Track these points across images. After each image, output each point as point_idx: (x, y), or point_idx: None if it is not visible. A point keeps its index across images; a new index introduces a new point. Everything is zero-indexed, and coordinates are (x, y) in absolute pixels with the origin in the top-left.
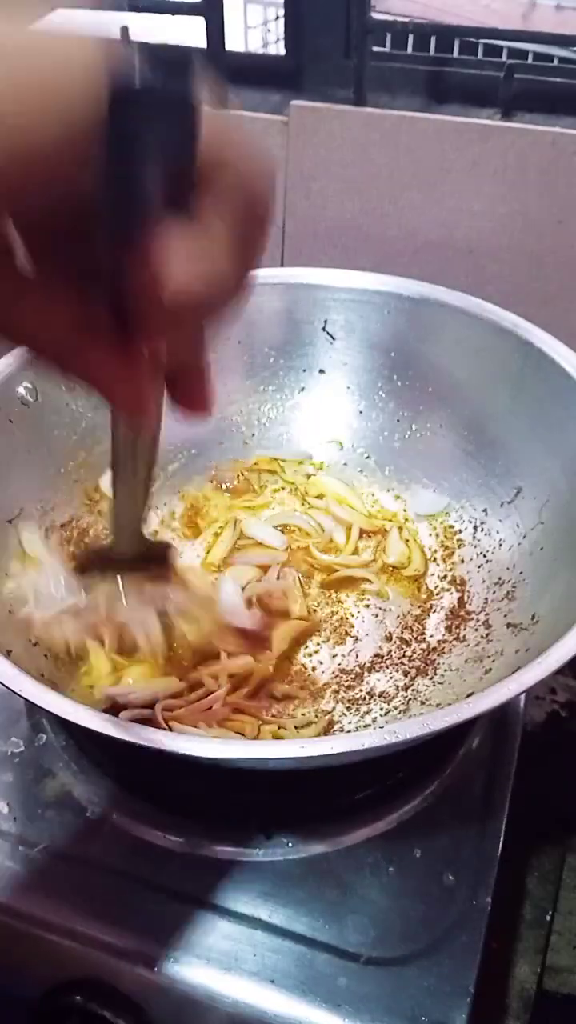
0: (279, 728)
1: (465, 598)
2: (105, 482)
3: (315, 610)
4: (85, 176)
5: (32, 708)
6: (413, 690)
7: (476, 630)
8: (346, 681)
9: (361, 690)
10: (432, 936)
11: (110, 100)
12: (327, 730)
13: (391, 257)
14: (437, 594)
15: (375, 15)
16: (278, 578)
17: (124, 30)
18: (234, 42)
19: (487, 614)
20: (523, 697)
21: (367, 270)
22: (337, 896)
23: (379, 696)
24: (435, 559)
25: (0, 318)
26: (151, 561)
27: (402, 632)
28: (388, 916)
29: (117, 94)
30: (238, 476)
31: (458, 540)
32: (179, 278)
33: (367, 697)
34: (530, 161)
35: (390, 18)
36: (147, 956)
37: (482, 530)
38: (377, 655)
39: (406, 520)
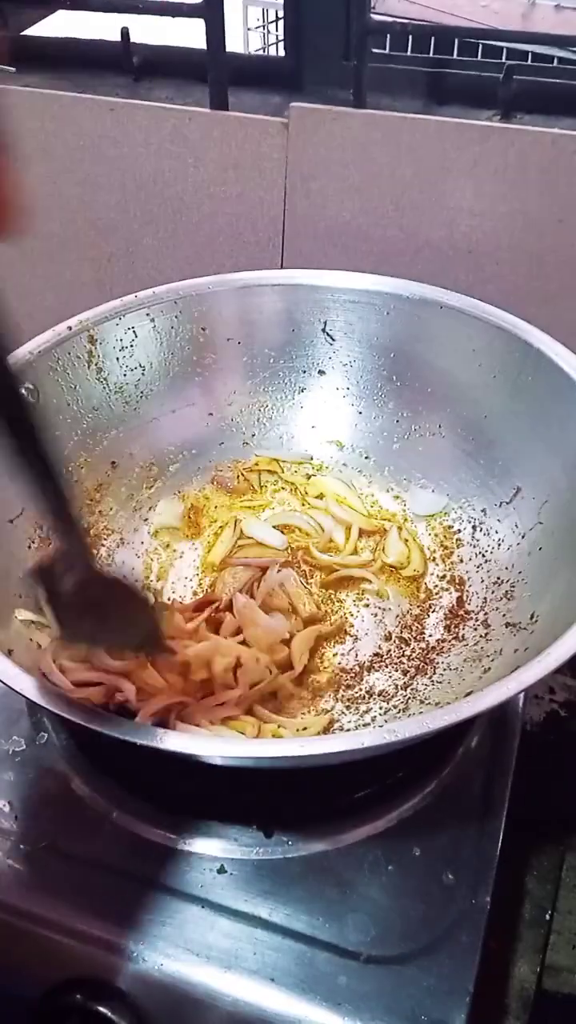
0: (279, 727)
1: (464, 598)
2: None
3: (321, 605)
4: None
5: (33, 707)
6: (412, 689)
7: (475, 629)
8: (346, 680)
9: (360, 689)
10: (432, 935)
11: None
12: (327, 729)
13: (391, 257)
14: (436, 594)
15: (375, 16)
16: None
17: (124, 32)
18: (234, 44)
19: (486, 613)
20: (522, 696)
21: (367, 270)
22: (337, 895)
23: (378, 695)
24: (434, 559)
25: None
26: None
27: (401, 631)
28: (388, 915)
29: None
30: (238, 476)
31: (457, 540)
32: None
33: (366, 696)
34: (530, 161)
35: (390, 19)
36: (147, 954)
37: (481, 530)
38: (376, 654)
39: (405, 520)
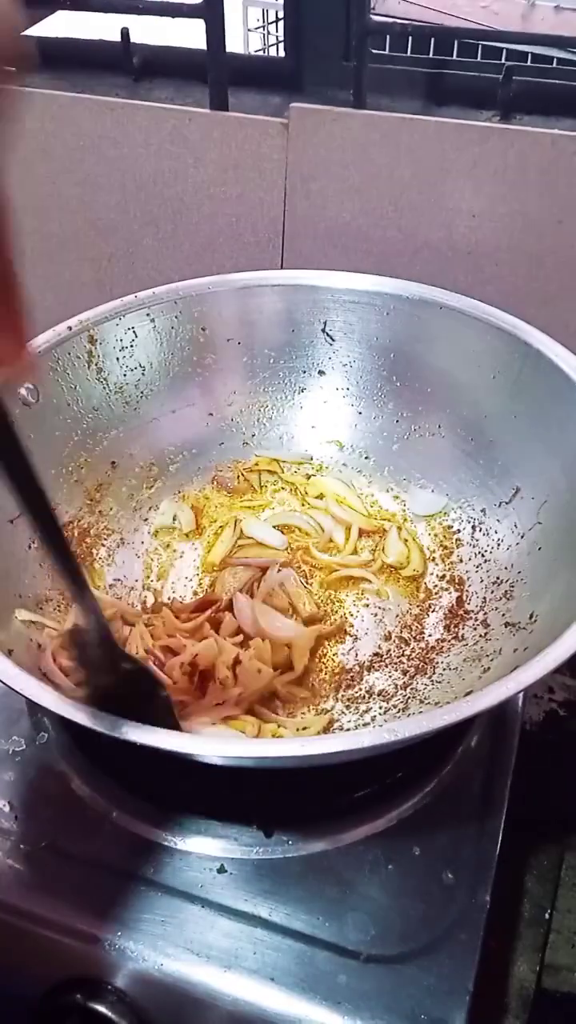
0: (279, 727)
1: (464, 597)
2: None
3: (321, 605)
4: None
5: (33, 707)
6: (412, 689)
7: (475, 629)
8: (346, 680)
9: (360, 689)
10: (431, 934)
11: None
12: (327, 728)
13: (391, 258)
14: (436, 594)
15: (375, 17)
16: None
17: (124, 32)
18: (234, 44)
19: (485, 613)
20: (521, 696)
21: (367, 271)
22: (337, 894)
23: (378, 695)
24: (434, 559)
25: None
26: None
27: (401, 631)
28: (388, 914)
29: None
30: (238, 476)
31: (456, 540)
32: None
33: (366, 696)
34: (530, 162)
35: (390, 20)
36: (147, 954)
37: (480, 530)
38: (376, 654)
39: (405, 520)
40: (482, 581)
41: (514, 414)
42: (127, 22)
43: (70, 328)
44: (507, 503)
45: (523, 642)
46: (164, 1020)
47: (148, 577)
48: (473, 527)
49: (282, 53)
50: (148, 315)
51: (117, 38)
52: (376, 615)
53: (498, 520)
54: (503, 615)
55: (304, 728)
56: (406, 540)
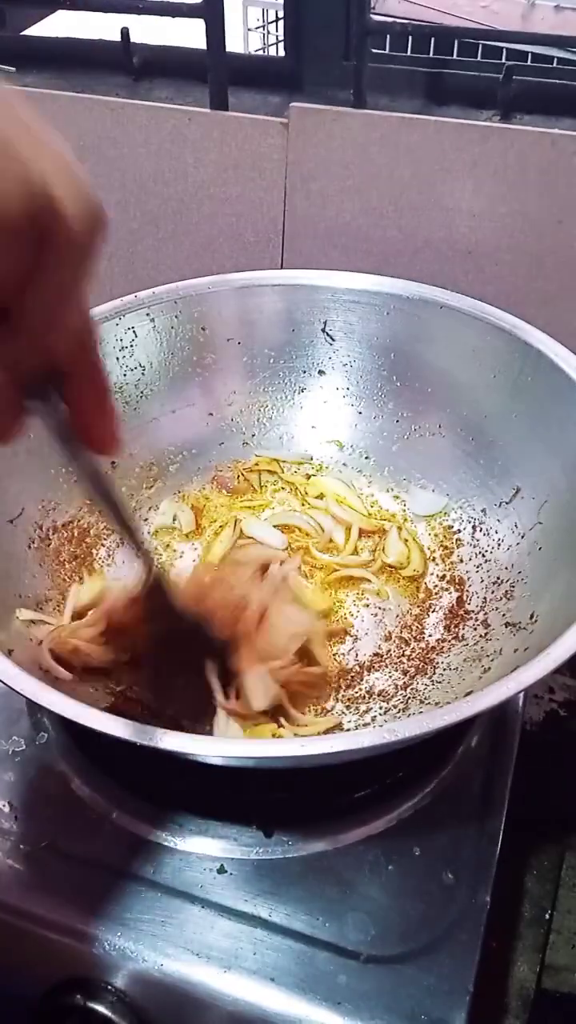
0: (279, 727)
1: (464, 597)
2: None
3: (329, 592)
4: None
5: (33, 707)
6: (412, 689)
7: (475, 629)
8: (346, 680)
9: (360, 689)
10: (432, 934)
11: None
12: (330, 729)
13: (391, 258)
14: (436, 594)
15: (375, 17)
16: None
17: (124, 32)
18: (234, 44)
19: (486, 613)
20: (522, 696)
21: (367, 271)
22: (337, 894)
23: (378, 695)
24: (434, 559)
25: None
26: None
27: (401, 631)
28: (388, 914)
29: None
30: (238, 476)
31: (457, 540)
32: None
33: (366, 696)
34: (530, 161)
35: (390, 20)
36: (147, 954)
37: (481, 530)
38: (376, 654)
39: (405, 520)
40: (482, 581)
41: (514, 414)
42: (127, 22)
43: None
44: (507, 503)
45: (523, 642)
46: (164, 1020)
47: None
48: (473, 527)
49: (282, 53)
50: (148, 315)
51: (117, 38)
52: (376, 615)
53: (498, 520)
54: (503, 615)
55: (305, 725)
56: (406, 540)
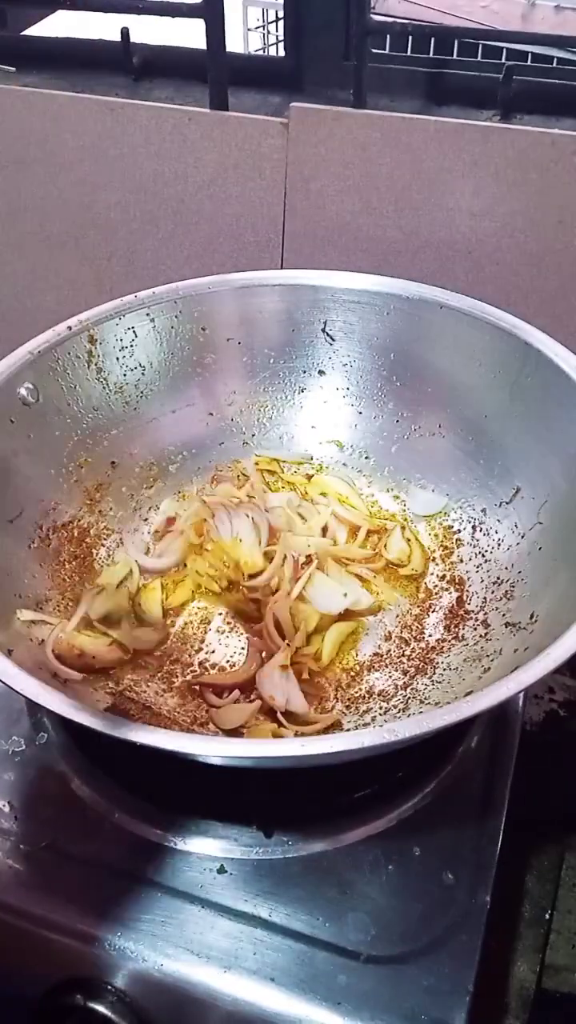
0: (279, 727)
1: (464, 597)
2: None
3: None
4: None
5: (33, 707)
6: (412, 689)
7: (475, 629)
8: (346, 680)
9: (360, 689)
10: (432, 934)
11: None
12: (327, 729)
13: (391, 257)
14: (436, 594)
15: (375, 17)
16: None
17: (124, 32)
18: (234, 44)
19: (486, 613)
20: (522, 696)
21: (367, 270)
22: (337, 894)
23: (378, 695)
24: (434, 559)
25: None
26: None
27: (401, 631)
28: (388, 914)
29: None
30: (238, 476)
31: (457, 540)
32: None
33: (366, 696)
34: (530, 161)
35: (390, 19)
36: (147, 954)
37: (481, 530)
38: (376, 654)
39: (405, 520)
40: (482, 581)
41: (514, 414)
42: (127, 22)
43: (70, 328)
44: (507, 503)
45: (523, 642)
46: (164, 1020)
47: None
48: (473, 527)
49: (282, 53)
50: (148, 315)
51: (117, 38)
52: (376, 615)
53: (498, 520)
54: (503, 615)
55: (305, 723)
56: (409, 540)
